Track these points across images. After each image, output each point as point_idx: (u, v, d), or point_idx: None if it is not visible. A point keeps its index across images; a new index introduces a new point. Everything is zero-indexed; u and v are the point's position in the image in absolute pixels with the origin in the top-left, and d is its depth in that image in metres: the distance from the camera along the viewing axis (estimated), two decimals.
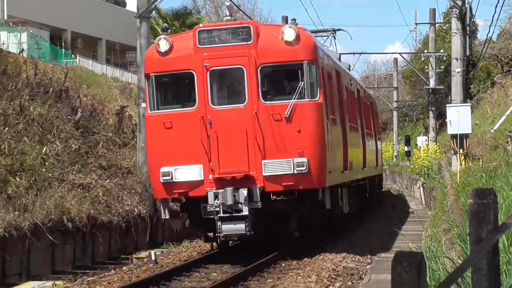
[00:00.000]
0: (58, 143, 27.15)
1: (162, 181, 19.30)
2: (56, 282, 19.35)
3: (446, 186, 26.09)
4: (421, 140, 60.80)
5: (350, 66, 32.16)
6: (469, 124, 30.05)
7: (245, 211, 18.52)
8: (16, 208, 21.60)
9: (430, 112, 55.99)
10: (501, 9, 67.94)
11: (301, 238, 20.51)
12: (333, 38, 32.94)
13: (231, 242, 21.68)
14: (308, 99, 19.24)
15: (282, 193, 19.15)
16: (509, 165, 21.50)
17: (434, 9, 55.87)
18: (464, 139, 29.95)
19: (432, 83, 53.92)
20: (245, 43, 19.27)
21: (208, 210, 18.86)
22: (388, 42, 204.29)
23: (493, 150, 31.46)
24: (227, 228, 18.53)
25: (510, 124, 34.02)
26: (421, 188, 41.56)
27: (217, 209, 18.63)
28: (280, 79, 20.07)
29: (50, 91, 31.15)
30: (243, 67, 19.26)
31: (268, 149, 18.98)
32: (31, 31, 47.96)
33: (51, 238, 22.01)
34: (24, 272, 21.19)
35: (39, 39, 45.26)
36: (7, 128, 25.60)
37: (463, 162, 29.45)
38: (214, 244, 21.11)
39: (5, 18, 48.95)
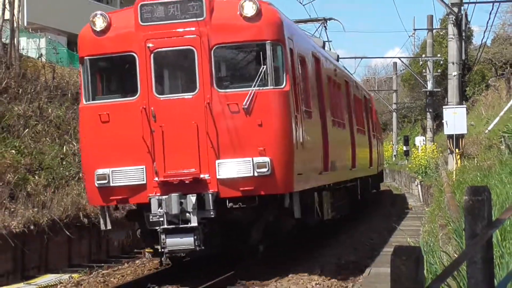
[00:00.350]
0: (74, 143, 27.18)
1: (97, 185, 15.47)
2: (73, 275, 19.38)
3: (443, 184, 26.07)
4: (419, 140, 60.71)
5: (338, 57, 27.96)
6: (465, 125, 30.02)
7: (194, 222, 14.81)
8: (35, 205, 21.67)
9: (428, 113, 55.94)
10: (495, 15, 67.94)
11: (268, 252, 17.03)
12: (323, 28, 30.10)
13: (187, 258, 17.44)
14: (272, 87, 15.33)
15: (240, 199, 15.32)
16: (503, 164, 21.48)
17: (432, 15, 56.05)
18: (460, 139, 29.90)
19: (429, 86, 53.87)
20: (196, 19, 15.35)
21: (151, 220, 15.07)
22: (388, 47, 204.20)
23: (487, 149, 31.41)
24: (172, 242, 14.91)
25: (504, 124, 33.93)
26: (419, 186, 41.52)
27: (161, 219, 14.92)
28: (238, 62, 16.29)
29: (68, 94, 31.20)
30: (193, 48, 15.39)
31: (223, 147, 15.18)
32: (49, 37, 47.97)
33: (68, 233, 22.04)
34: (42, 265, 21.25)
35: (57, 44, 45.28)
36: (26, 129, 25.65)
37: (459, 161, 29.40)
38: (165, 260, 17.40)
39: (25, 25, 48.99)
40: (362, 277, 14.60)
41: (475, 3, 33.95)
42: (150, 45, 15.43)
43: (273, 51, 15.46)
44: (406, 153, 66.25)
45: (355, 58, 54.68)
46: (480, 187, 6.63)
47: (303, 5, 56.99)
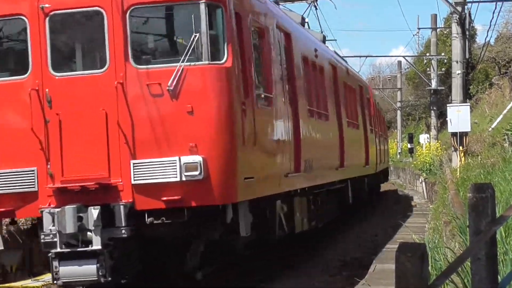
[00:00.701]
0: None
1: None
2: None
3: (447, 181, 26.05)
4: (423, 138, 60.72)
5: (325, 38, 24.18)
6: (469, 122, 30.02)
7: (97, 244, 10.94)
8: None
9: (432, 111, 55.93)
10: (498, 14, 67.64)
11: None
12: (314, 8, 27.10)
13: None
14: (207, 62, 11.37)
15: (164, 212, 11.32)
16: (506, 161, 21.46)
17: (436, 14, 55.78)
18: (464, 137, 29.91)
19: (433, 84, 53.87)
20: None
21: (43, 240, 11.18)
22: (392, 46, 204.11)
23: (491, 147, 31.39)
24: (68, 271, 11.01)
25: (507, 122, 33.90)
26: (423, 183, 41.47)
27: (55, 239, 11.04)
28: (162, 29, 12.17)
29: None
30: (101, 10, 11.50)
31: (140, 143, 11.32)
32: None
33: None
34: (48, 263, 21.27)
35: None
36: None
37: (462, 159, 29.39)
38: None
39: None
40: (368, 273, 14.59)
41: (478, 2, 33.90)
42: (45, 5, 11.56)
43: (210, 14, 11.47)
44: (411, 151, 66.33)
45: (360, 56, 55.02)
46: (484, 184, 6.63)
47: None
